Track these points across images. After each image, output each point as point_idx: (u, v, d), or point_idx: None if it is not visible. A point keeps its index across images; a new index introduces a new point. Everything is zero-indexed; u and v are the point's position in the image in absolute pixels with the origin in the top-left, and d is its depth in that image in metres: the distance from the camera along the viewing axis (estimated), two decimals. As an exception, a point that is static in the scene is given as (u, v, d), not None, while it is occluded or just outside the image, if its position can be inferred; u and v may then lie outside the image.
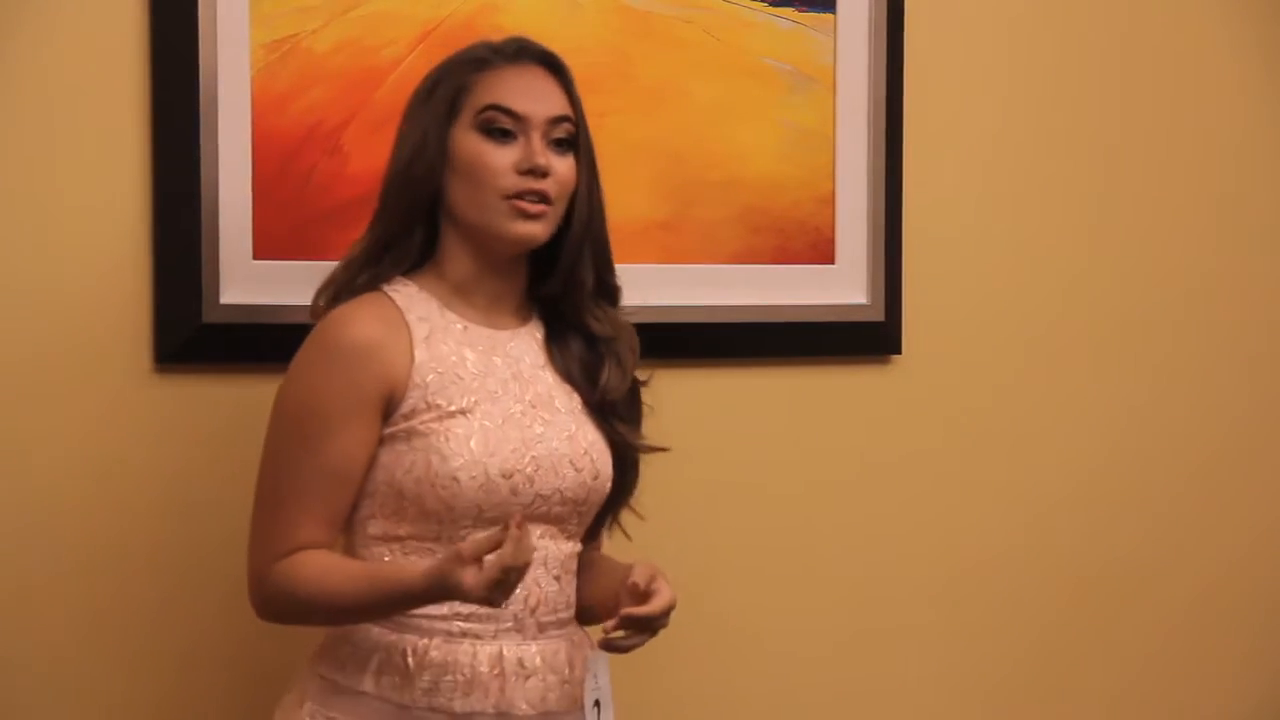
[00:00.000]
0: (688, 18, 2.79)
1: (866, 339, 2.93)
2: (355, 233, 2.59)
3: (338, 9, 2.60)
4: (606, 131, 2.72)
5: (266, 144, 2.56)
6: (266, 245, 2.57)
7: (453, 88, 2.24)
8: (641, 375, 2.37)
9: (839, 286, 2.90)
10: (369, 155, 2.61)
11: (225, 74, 2.53)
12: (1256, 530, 3.25)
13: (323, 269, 2.58)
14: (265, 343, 2.57)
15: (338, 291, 2.27)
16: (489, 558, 2.01)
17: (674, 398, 2.59)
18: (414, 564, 2.14)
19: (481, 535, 2.06)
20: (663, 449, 2.38)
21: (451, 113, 2.23)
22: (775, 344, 2.88)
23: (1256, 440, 3.25)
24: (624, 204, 2.76)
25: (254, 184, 2.56)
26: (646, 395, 2.37)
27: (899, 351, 2.96)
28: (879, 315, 2.92)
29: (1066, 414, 3.11)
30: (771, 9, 2.83)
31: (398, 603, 2.12)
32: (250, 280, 2.56)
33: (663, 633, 2.20)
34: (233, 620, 2.57)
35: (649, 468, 2.38)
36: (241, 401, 2.57)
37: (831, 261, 2.90)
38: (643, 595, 2.17)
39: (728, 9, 2.81)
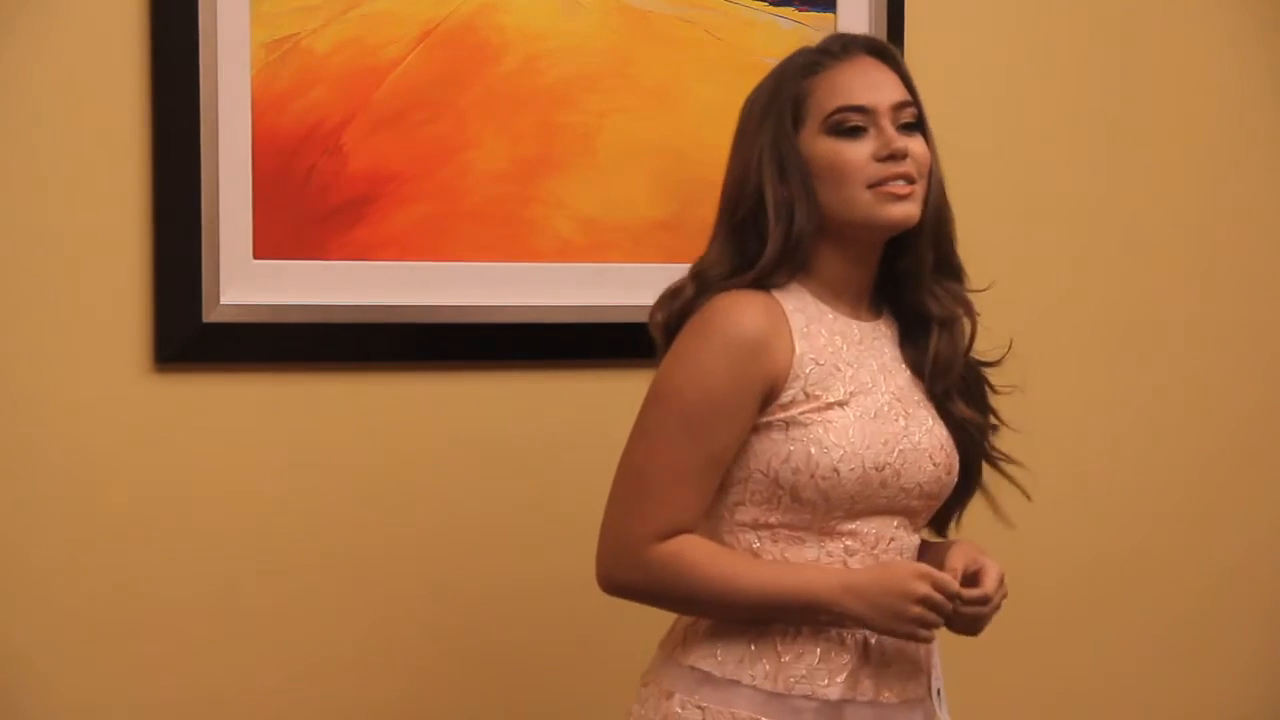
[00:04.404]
0: (688, 17, 2.79)
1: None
2: (355, 233, 2.61)
3: (338, 9, 2.59)
4: (607, 131, 2.72)
5: (266, 144, 2.56)
6: (266, 245, 2.57)
7: (790, 98, 2.23)
8: (993, 356, 2.35)
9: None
10: (369, 155, 2.61)
11: (225, 74, 2.53)
12: (1257, 529, 3.25)
13: (323, 269, 2.60)
14: (265, 343, 2.57)
15: (686, 308, 2.23)
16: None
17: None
18: (833, 569, 2.18)
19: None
20: (1006, 425, 2.37)
21: (796, 122, 2.23)
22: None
23: (1259, 438, 3.25)
24: (625, 204, 2.77)
25: (254, 184, 2.56)
26: (1011, 375, 2.36)
27: (900, 351, 2.95)
28: (880, 315, 2.92)
29: (1067, 413, 3.10)
30: (772, 9, 2.83)
31: (804, 605, 2.16)
32: (250, 280, 2.56)
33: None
34: (224, 615, 2.58)
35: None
36: (241, 401, 2.58)
37: (833, 261, 2.89)
38: (969, 577, 2.21)
39: (729, 9, 2.81)
